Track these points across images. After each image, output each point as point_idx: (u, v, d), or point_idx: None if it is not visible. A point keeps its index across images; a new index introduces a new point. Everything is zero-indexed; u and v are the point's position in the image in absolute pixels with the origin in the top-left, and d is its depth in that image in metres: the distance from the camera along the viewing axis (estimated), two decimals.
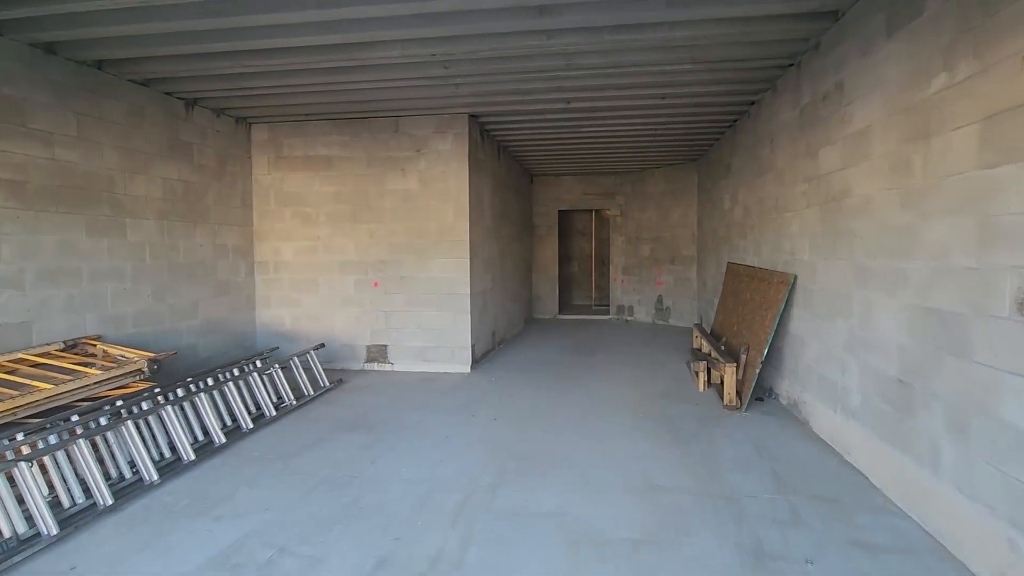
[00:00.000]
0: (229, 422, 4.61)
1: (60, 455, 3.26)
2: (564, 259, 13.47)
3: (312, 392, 5.64)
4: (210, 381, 4.61)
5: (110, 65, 4.98)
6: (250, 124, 7.03)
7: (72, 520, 3.10)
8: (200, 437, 4.28)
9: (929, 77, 2.92)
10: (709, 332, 7.44)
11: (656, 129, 7.50)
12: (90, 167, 4.88)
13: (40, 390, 3.66)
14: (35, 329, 4.42)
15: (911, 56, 3.09)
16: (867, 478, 3.56)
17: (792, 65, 5.01)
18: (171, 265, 5.79)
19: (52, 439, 3.27)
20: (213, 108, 6.34)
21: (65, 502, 3.23)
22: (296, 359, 5.68)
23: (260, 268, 7.16)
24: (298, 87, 5.62)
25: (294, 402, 5.30)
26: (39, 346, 4.39)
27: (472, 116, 6.80)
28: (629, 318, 11.34)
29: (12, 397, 3.49)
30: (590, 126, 7.30)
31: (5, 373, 3.90)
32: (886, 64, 3.36)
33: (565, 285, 13.48)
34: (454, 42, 4.51)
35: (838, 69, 4.03)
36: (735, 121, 7.13)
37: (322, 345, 6.27)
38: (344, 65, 5.06)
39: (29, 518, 2.94)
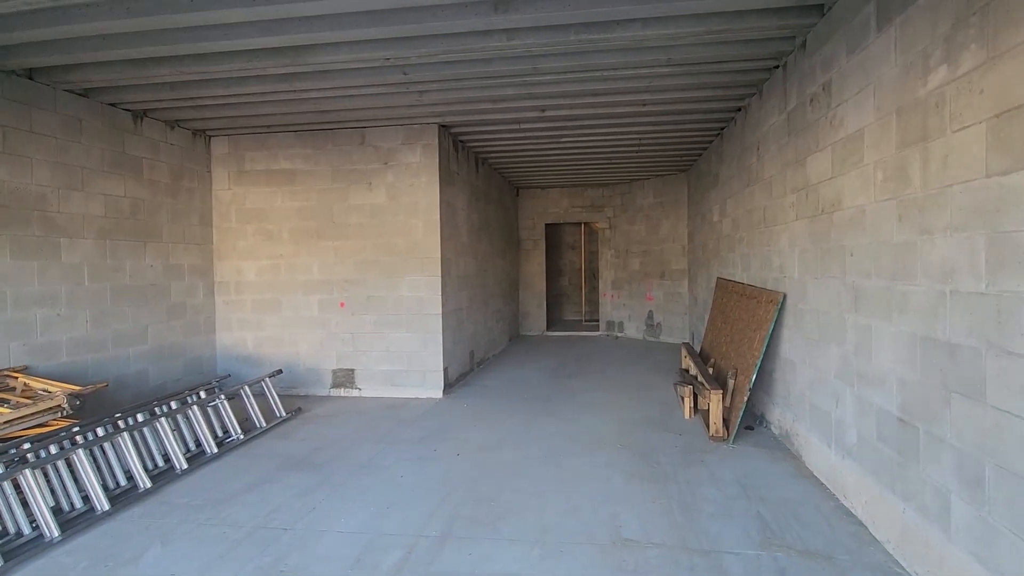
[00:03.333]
0: (161, 462, 4.18)
1: None
2: (554, 273, 13.09)
3: (264, 424, 5.20)
4: (140, 417, 4.18)
5: (41, 74, 4.62)
6: (209, 137, 6.67)
7: None
8: (123, 482, 3.84)
9: (926, 72, 2.53)
10: (699, 351, 7.01)
11: (640, 139, 7.15)
12: (17, 184, 4.50)
13: None
14: None
15: (905, 49, 2.71)
16: (866, 528, 3.12)
17: (777, 67, 4.64)
18: (115, 288, 5.38)
19: None
20: (166, 120, 5.98)
21: None
22: (248, 388, 5.24)
23: (220, 289, 6.75)
24: (254, 96, 5.26)
25: (241, 436, 4.86)
26: None
27: (443, 126, 6.44)
28: (619, 334, 10.91)
29: None
30: (570, 136, 6.94)
31: None
32: (876, 60, 2.98)
33: (555, 300, 13.09)
34: (407, 44, 4.15)
35: (825, 69, 3.66)
36: (722, 129, 6.77)
37: (279, 371, 5.84)
38: (297, 71, 4.70)
39: None
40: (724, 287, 6.49)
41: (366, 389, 6.49)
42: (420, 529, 3.26)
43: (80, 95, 5.03)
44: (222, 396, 4.88)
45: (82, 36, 3.94)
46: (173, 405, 4.50)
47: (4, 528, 3.18)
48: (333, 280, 6.53)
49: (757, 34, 4.05)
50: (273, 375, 5.61)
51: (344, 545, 3.09)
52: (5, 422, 3.65)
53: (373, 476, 4.08)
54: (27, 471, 3.20)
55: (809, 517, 3.30)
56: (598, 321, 11.57)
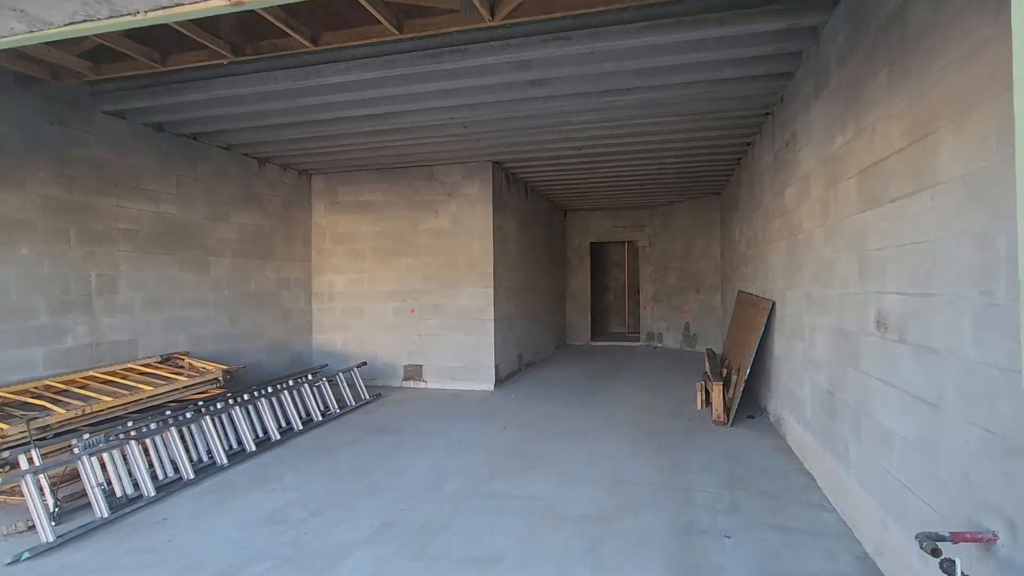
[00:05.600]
0: (284, 424, 5.59)
1: (157, 440, 4.29)
2: (600, 289, 14.08)
3: (354, 403, 6.58)
4: (270, 390, 5.62)
5: (203, 136, 6.28)
6: (310, 175, 8.29)
7: (164, 488, 4.09)
8: (260, 434, 5.26)
9: (835, 136, 3.52)
10: (720, 356, 7.85)
11: (666, 169, 8.15)
12: (185, 217, 6.14)
13: (143, 391, 4.75)
14: (140, 345, 5.61)
15: (827, 117, 3.70)
16: (815, 480, 4.01)
17: (768, 114, 5.61)
18: (243, 295, 6.98)
19: (153, 426, 4.31)
20: (281, 164, 7.61)
21: (160, 475, 4.23)
22: (341, 375, 6.65)
23: (316, 297, 8.30)
24: (349, 145, 6.73)
25: (338, 411, 6.24)
26: (143, 359, 5.56)
27: (496, 163, 7.74)
28: (658, 344, 11.75)
29: (123, 395, 4.59)
30: (605, 167, 8.05)
31: (120, 378, 5.05)
32: (815, 121, 3.96)
33: (601, 313, 14.05)
34: (469, 109, 5.46)
35: (792, 121, 4.64)
36: (739, 160, 7.68)
37: (364, 363, 7.23)
38: (383, 129, 6.11)
39: (135, 484, 3.95)
40: (740, 299, 7.35)
41: (431, 381, 7.79)
42: (473, 469, 4.44)
43: (225, 149, 6.69)
44: (323, 380, 6.29)
45: (241, 113, 5.49)
46: (291, 383, 5.93)
47: (190, 456, 4.62)
48: (405, 291, 7.92)
49: (745, 92, 5.06)
50: (359, 366, 7.00)
51: (419, 476, 4.32)
52: (184, 387, 5.17)
53: (438, 439, 5.31)
54: (207, 418, 4.65)
55: (772, 474, 4.22)
56: (639, 333, 12.44)
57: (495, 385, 7.62)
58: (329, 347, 8.20)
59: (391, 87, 4.80)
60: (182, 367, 5.76)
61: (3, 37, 1.83)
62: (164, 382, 5.08)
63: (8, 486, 3.58)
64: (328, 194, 8.25)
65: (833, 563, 2.94)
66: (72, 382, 4.72)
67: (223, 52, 4.05)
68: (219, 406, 4.95)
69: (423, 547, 3.21)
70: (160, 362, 5.67)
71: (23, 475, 3.39)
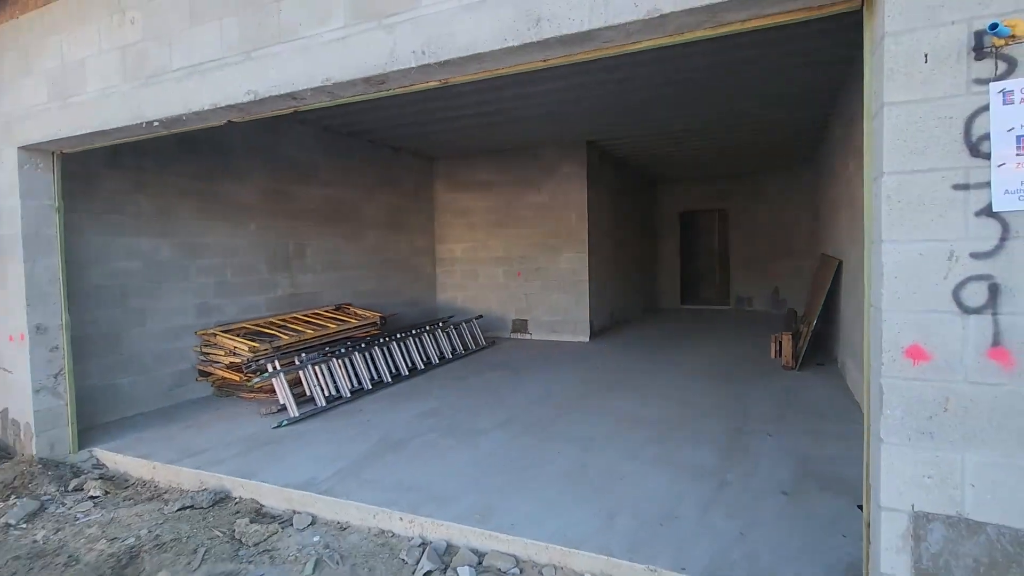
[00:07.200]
0: (425, 358, 7.21)
1: (345, 360, 6.00)
2: (691, 255, 14.62)
3: (474, 347, 8.10)
4: (414, 332, 7.25)
5: (355, 133, 7.94)
6: (434, 159, 9.82)
7: (354, 394, 5.79)
8: (410, 364, 6.90)
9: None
10: (800, 315, 8.42)
11: (752, 141, 8.69)
12: (344, 198, 7.88)
13: (331, 328, 6.52)
14: (321, 297, 7.46)
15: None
16: (861, 408, 4.81)
17: (840, 89, 6.13)
18: (386, 260, 8.70)
19: (343, 350, 6.03)
20: (411, 151, 9.19)
21: (349, 386, 5.95)
22: (464, 324, 8.19)
23: (440, 263, 9.91)
24: (467, 134, 8.10)
25: (463, 352, 7.78)
26: (323, 306, 7.40)
27: (590, 142, 8.75)
28: (747, 308, 12.23)
29: (319, 330, 6.37)
30: (688, 143, 8.77)
31: (313, 319, 6.88)
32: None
33: (691, 279, 14.62)
34: (569, 103, 6.55)
35: (852, 99, 5.24)
36: (823, 131, 8.06)
37: (481, 316, 8.73)
38: (497, 120, 7.38)
39: (337, 389, 5.67)
40: (821, 260, 7.87)
41: (535, 334, 9.14)
42: (571, 392, 5.71)
43: (370, 142, 8.34)
44: (452, 327, 7.85)
45: (386, 115, 7.01)
46: (428, 328, 7.54)
47: (369, 375, 6.32)
48: (512, 256, 9.27)
49: (812, 77, 5.68)
50: (477, 319, 8.50)
51: (530, 394, 5.67)
52: (355, 327, 6.91)
53: (543, 373, 6.63)
54: (375, 348, 6.32)
55: (823, 403, 5.06)
56: (729, 297, 12.94)
57: (590, 338, 8.81)
58: (451, 304, 9.82)
59: (507, 89, 6.02)
60: (350, 314, 7.55)
61: (314, 104, 3.27)
62: (342, 323, 6.85)
63: (263, 383, 5.39)
64: (448, 175, 9.75)
65: (848, 451, 3.86)
66: (285, 320, 6.60)
67: None
68: (382, 341, 6.62)
69: (538, 431, 4.54)
70: (335, 309, 7.49)
71: (276, 374, 5.17)
